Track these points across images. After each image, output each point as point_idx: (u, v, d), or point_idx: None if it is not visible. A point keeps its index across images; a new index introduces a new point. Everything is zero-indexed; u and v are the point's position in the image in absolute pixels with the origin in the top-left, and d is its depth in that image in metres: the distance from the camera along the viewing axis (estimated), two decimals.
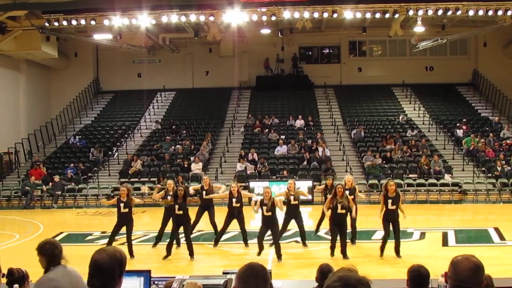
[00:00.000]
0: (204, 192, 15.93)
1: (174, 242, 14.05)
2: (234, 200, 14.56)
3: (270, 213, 12.87)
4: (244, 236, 14.53)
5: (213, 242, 15.06)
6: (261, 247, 13.07)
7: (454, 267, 3.55)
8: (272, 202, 12.82)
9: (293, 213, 14.36)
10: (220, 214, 15.43)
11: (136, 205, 15.14)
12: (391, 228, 12.66)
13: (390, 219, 12.66)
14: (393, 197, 12.67)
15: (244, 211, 14.85)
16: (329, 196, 13.55)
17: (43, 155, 31.05)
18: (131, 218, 13.80)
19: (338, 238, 12.89)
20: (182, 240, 13.98)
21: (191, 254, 13.24)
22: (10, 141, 30.78)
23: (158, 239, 14.96)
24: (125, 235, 13.65)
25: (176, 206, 13.29)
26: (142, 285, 4.90)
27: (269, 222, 12.99)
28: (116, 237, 14.02)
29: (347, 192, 13.74)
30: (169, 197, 13.89)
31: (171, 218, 14.17)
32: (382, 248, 12.81)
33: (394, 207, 12.58)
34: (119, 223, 13.77)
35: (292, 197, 14.28)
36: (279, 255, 12.84)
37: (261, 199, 13.06)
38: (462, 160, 27.63)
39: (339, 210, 12.69)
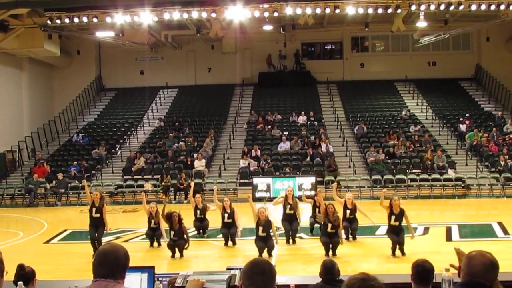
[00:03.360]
0: (198, 212, 15.90)
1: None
2: (226, 215, 14.50)
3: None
4: (233, 237, 14.44)
5: (216, 239, 15.11)
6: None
7: (468, 261, 3.56)
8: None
9: (289, 221, 14.36)
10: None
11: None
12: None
13: (394, 231, 12.69)
14: (397, 214, 12.61)
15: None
16: (318, 214, 13.59)
17: (46, 153, 31.10)
18: (103, 223, 13.83)
19: None
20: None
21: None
22: (14, 139, 30.86)
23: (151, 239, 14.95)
24: (129, 232, 13.69)
25: (172, 233, 13.24)
26: (146, 281, 4.90)
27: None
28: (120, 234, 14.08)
29: (347, 212, 13.95)
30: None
31: None
32: (393, 249, 12.70)
33: (397, 223, 12.57)
34: (92, 227, 13.87)
35: (288, 207, 14.26)
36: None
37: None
38: (465, 155, 27.60)
39: (329, 229, 12.65)
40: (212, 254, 14.08)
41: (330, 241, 12.63)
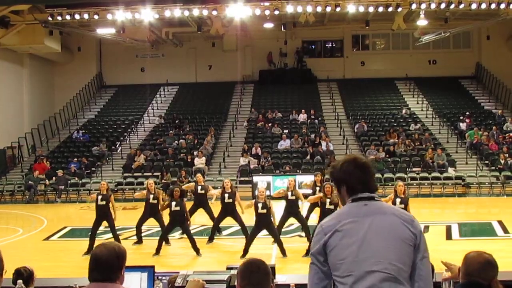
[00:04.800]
0: (199, 187, 15.90)
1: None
2: (226, 195, 14.47)
3: (264, 211, 12.75)
4: (245, 231, 14.40)
5: (216, 237, 15.11)
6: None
7: (465, 262, 3.62)
8: (266, 201, 12.73)
9: (292, 210, 14.29)
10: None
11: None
12: None
13: None
14: (402, 197, 12.36)
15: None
16: (318, 194, 13.43)
17: (46, 149, 31.11)
18: (109, 213, 13.83)
19: None
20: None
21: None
22: (14, 135, 30.85)
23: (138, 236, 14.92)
24: (129, 230, 13.69)
25: (173, 203, 13.23)
26: (146, 281, 4.92)
27: (263, 221, 12.88)
28: (120, 232, 14.08)
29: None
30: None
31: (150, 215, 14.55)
32: None
33: (402, 206, 12.31)
34: (97, 220, 13.88)
35: (289, 193, 14.21)
36: (283, 251, 12.81)
37: (255, 200, 12.94)
38: (465, 153, 27.63)
39: (328, 206, 12.52)
40: (212, 253, 14.06)
41: None
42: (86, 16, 26.00)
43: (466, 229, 16.13)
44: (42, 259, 13.55)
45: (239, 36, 35.28)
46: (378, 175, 25.14)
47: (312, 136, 29.52)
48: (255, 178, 24.55)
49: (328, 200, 12.36)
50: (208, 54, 37.80)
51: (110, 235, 14.16)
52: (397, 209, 3.29)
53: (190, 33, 34.63)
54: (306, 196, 15.66)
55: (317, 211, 14.86)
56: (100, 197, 13.70)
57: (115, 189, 25.56)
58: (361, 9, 26.13)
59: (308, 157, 27.56)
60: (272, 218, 12.97)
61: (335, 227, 3.15)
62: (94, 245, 13.33)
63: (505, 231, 15.38)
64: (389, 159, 26.81)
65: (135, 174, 27.08)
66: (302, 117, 32.34)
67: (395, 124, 31.02)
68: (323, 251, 3.15)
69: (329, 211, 12.29)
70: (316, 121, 32.07)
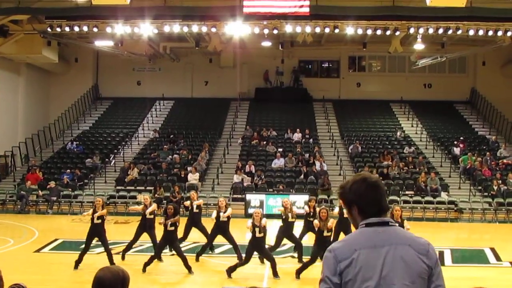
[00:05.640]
0: (195, 206, 15.90)
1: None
2: (221, 214, 14.47)
3: (261, 235, 12.73)
4: (237, 249, 14.35)
5: (208, 255, 15.08)
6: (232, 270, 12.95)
7: None
8: (263, 224, 12.68)
9: (287, 231, 14.32)
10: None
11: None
12: None
13: None
14: (398, 222, 12.36)
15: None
16: (314, 221, 13.39)
17: (39, 159, 30.97)
18: (103, 231, 13.76)
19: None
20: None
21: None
22: (7, 144, 30.77)
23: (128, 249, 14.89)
24: (120, 245, 13.63)
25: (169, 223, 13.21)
26: None
27: (259, 245, 12.81)
28: (112, 246, 13.99)
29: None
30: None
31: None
32: None
33: None
34: (90, 236, 13.80)
35: (289, 215, 14.24)
36: (275, 273, 12.75)
37: (252, 221, 12.88)
38: (458, 178, 27.73)
39: (325, 234, 12.57)
40: (204, 272, 13.98)
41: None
42: (85, 28, 26.08)
43: (458, 255, 16.12)
44: (32, 272, 13.46)
45: (236, 53, 35.44)
46: None
47: (306, 155, 29.52)
48: (248, 196, 24.56)
49: (325, 230, 12.45)
50: (205, 70, 37.89)
51: (102, 249, 14.06)
52: (412, 238, 3.17)
53: (187, 49, 34.72)
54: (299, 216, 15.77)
55: (309, 234, 14.91)
56: (95, 215, 13.66)
57: (107, 202, 25.40)
58: (360, 31, 26.33)
59: (302, 176, 27.56)
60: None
61: (351, 256, 3.07)
62: (83, 259, 13.34)
63: (498, 258, 15.39)
64: (382, 181, 26.75)
65: (128, 188, 26.97)
66: (297, 136, 32.39)
67: (389, 147, 31.13)
68: (339, 277, 3.08)
69: (326, 238, 12.35)
70: (311, 140, 32.12)
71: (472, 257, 16.10)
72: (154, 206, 14.84)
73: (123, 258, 14.49)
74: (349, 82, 38.24)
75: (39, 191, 26.12)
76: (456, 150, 30.19)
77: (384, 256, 3.06)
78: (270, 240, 14.67)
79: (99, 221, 13.63)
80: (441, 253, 15.84)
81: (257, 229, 12.60)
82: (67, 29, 26.16)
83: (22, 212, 24.84)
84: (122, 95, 37.55)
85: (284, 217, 14.36)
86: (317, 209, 14.85)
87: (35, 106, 35.36)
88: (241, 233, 13.74)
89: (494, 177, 26.62)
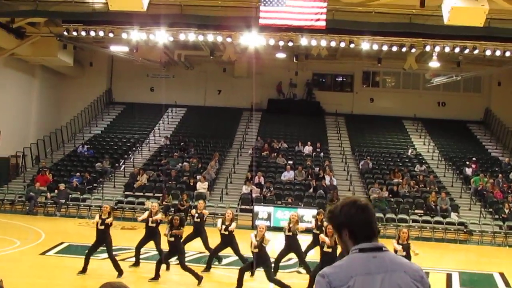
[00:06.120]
0: (196, 215, 15.81)
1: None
2: (223, 227, 14.34)
3: (257, 250, 12.57)
4: (243, 261, 14.23)
5: (215, 266, 14.97)
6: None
7: None
8: (262, 239, 12.52)
9: (292, 245, 14.17)
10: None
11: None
12: None
13: None
14: (403, 244, 12.26)
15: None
16: (320, 235, 13.21)
17: (50, 161, 31.08)
18: (108, 237, 13.65)
19: None
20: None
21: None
22: (19, 145, 30.88)
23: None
24: (126, 251, 13.56)
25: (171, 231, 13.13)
26: None
27: (259, 258, 12.65)
28: (117, 253, 13.92)
29: None
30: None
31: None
32: None
33: (404, 253, 12.06)
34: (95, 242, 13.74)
35: (291, 228, 14.09)
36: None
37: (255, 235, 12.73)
38: (469, 199, 27.40)
39: (325, 249, 12.40)
40: (208, 283, 13.86)
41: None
42: (101, 33, 26.12)
43: (467, 278, 15.86)
44: (36, 275, 13.45)
45: (250, 63, 35.37)
46: (380, 214, 24.95)
47: (316, 169, 29.37)
48: (256, 208, 24.43)
49: (326, 246, 12.29)
50: (219, 79, 37.91)
51: (106, 255, 13.99)
52: (407, 264, 3.13)
53: (202, 57, 34.74)
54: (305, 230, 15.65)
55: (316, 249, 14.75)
56: (101, 221, 13.60)
57: (115, 207, 25.39)
58: (375, 47, 26.23)
59: (311, 190, 27.42)
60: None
61: (346, 283, 2.97)
62: (88, 265, 13.27)
63: (507, 284, 15.13)
64: (392, 199, 26.60)
65: (136, 194, 26.95)
66: (308, 149, 32.25)
67: (400, 164, 30.91)
68: None
69: (327, 254, 12.16)
70: (322, 154, 31.97)
71: (480, 281, 15.84)
72: (159, 216, 14.72)
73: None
74: (362, 97, 38.10)
75: (48, 193, 26.18)
76: (468, 171, 29.90)
77: (380, 283, 2.98)
78: (275, 253, 14.52)
79: (102, 227, 13.57)
80: (449, 276, 15.65)
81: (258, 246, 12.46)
82: (83, 33, 26.24)
83: (30, 213, 24.90)
84: (135, 100, 37.62)
85: (286, 230, 14.22)
86: (325, 224, 14.73)
87: (48, 108, 35.52)
88: (248, 244, 13.57)
89: (505, 200, 26.33)
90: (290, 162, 30.43)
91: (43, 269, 14.15)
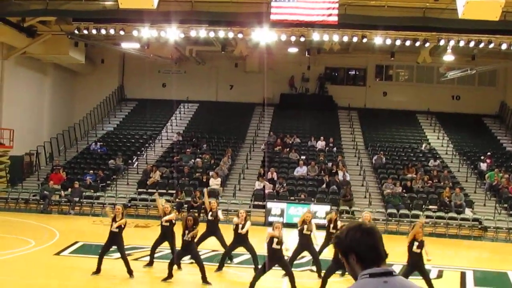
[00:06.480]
0: (209, 214, 15.71)
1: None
2: (240, 226, 14.29)
3: (279, 246, 12.47)
4: (256, 260, 14.14)
5: (227, 265, 14.93)
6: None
7: None
8: (281, 234, 12.44)
9: (306, 243, 14.06)
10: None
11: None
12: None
13: (415, 264, 12.03)
14: (420, 241, 12.10)
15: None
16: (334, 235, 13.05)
17: (63, 159, 31.20)
18: (121, 239, 13.57)
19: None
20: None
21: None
22: (33, 143, 31.04)
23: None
24: (140, 250, 13.54)
25: (186, 231, 13.06)
26: None
27: (277, 256, 12.59)
28: (130, 252, 13.91)
29: None
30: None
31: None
32: None
33: (419, 250, 12.04)
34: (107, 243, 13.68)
35: (305, 227, 13.98)
36: (294, 287, 12.51)
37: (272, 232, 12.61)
38: (484, 194, 27.14)
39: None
40: (220, 283, 13.82)
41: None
42: (112, 31, 26.12)
43: (481, 277, 15.67)
44: (50, 276, 13.50)
45: (262, 58, 35.24)
46: (393, 210, 24.80)
47: (329, 164, 29.23)
48: (269, 205, 24.33)
49: None
50: (230, 74, 37.85)
51: (119, 254, 13.98)
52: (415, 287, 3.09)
53: (213, 52, 34.63)
54: (319, 227, 15.55)
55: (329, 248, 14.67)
56: (113, 223, 13.56)
57: (129, 205, 25.43)
58: (388, 41, 26.00)
59: (324, 186, 27.29)
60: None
61: None
62: (102, 266, 13.28)
63: None
64: (405, 195, 26.38)
65: (150, 191, 26.92)
66: (320, 144, 32.10)
67: (414, 159, 30.68)
68: None
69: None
70: (334, 149, 31.80)
71: (494, 280, 15.66)
72: (172, 216, 14.66)
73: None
74: (375, 90, 37.85)
75: (62, 192, 26.26)
76: (483, 166, 29.58)
77: None
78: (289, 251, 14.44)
79: (117, 230, 13.53)
80: (463, 275, 15.49)
81: (275, 240, 12.37)
82: (94, 31, 26.28)
83: (44, 212, 24.99)
84: (147, 96, 37.67)
85: (299, 229, 14.14)
86: (339, 223, 14.62)
87: (60, 105, 35.68)
88: (261, 241, 13.52)
89: None
90: (303, 157, 30.30)
91: (57, 270, 14.18)
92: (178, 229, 13.95)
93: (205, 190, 17.50)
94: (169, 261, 13.52)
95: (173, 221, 14.58)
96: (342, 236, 3.18)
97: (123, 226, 13.55)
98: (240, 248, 14.53)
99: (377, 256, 3.09)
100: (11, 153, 29.72)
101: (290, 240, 15.16)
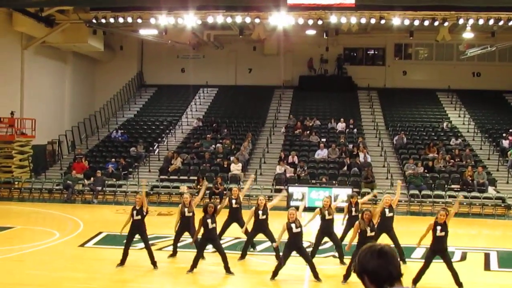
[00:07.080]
0: (233, 201, 15.73)
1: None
2: (260, 212, 14.32)
3: (299, 230, 12.45)
4: (277, 249, 14.15)
5: (250, 252, 15.00)
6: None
7: None
8: (297, 220, 12.42)
9: (327, 230, 14.04)
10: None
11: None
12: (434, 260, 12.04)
13: (437, 249, 11.82)
14: (442, 224, 11.80)
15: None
16: (356, 222, 13.00)
17: (85, 147, 31.48)
18: (144, 227, 13.53)
19: None
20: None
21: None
22: (54, 132, 31.41)
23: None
24: (163, 239, 13.62)
25: (209, 220, 13.08)
26: None
27: (297, 241, 12.52)
28: (154, 241, 14.02)
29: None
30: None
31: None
32: (416, 280, 11.84)
33: (443, 233, 11.78)
34: (131, 232, 13.67)
35: (326, 212, 13.93)
36: (315, 275, 12.54)
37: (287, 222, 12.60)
38: (507, 172, 26.94)
39: (369, 234, 12.13)
40: (243, 272, 13.92)
41: None
42: (129, 19, 26.21)
43: (505, 258, 15.58)
44: (76, 269, 13.60)
45: (280, 41, 35.11)
46: (415, 191, 24.69)
47: (350, 146, 29.13)
48: (290, 189, 24.28)
49: (368, 229, 12.07)
50: (249, 57, 37.77)
51: (143, 244, 14.12)
52: None
53: (231, 36, 34.57)
54: (340, 210, 15.57)
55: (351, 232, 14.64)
56: (135, 212, 13.62)
57: (151, 192, 25.65)
58: (406, 22, 25.72)
59: (345, 168, 27.23)
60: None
61: None
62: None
63: None
64: (427, 175, 26.24)
65: (171, 177, 27.11)
66: (341, 126, 31.98)
67: (435, 138, 30.45)
68: None
69: (370, 239, 11.91)
70: (355, 130, 31.67)
71: None
72: (197, 199, 14.77)
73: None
74: (395, 70, 37.56)
75: (85, 181, 26.55)
76: (505, 143, 29.25)
77: None
78: (311, 236, 14.46)
79: (139, 217, 13.58)
80: (487, 256, 15.39)
81: (293, 225, 12.35)
82: (111, 19, 26.39)
83: (68, 201, 25.29)
84: (166, 82, 37.81)
85: (321, 215, 14.11)
86: (360, 207, 14.60)
87: (81, 94, 35.97)
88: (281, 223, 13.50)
89: None
90: (324, 139, 30.24)
91: (82, 262, 14.31)
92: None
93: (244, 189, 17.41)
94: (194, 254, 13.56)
95: (194, 212, 14.61)
96: (356, 259, 3.26)
97: (145, 213, 13.60)
98: (262, 235, 14.57)
99: (388, 276, 3.12)
100: (34, 142, 30.05)
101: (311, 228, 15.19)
